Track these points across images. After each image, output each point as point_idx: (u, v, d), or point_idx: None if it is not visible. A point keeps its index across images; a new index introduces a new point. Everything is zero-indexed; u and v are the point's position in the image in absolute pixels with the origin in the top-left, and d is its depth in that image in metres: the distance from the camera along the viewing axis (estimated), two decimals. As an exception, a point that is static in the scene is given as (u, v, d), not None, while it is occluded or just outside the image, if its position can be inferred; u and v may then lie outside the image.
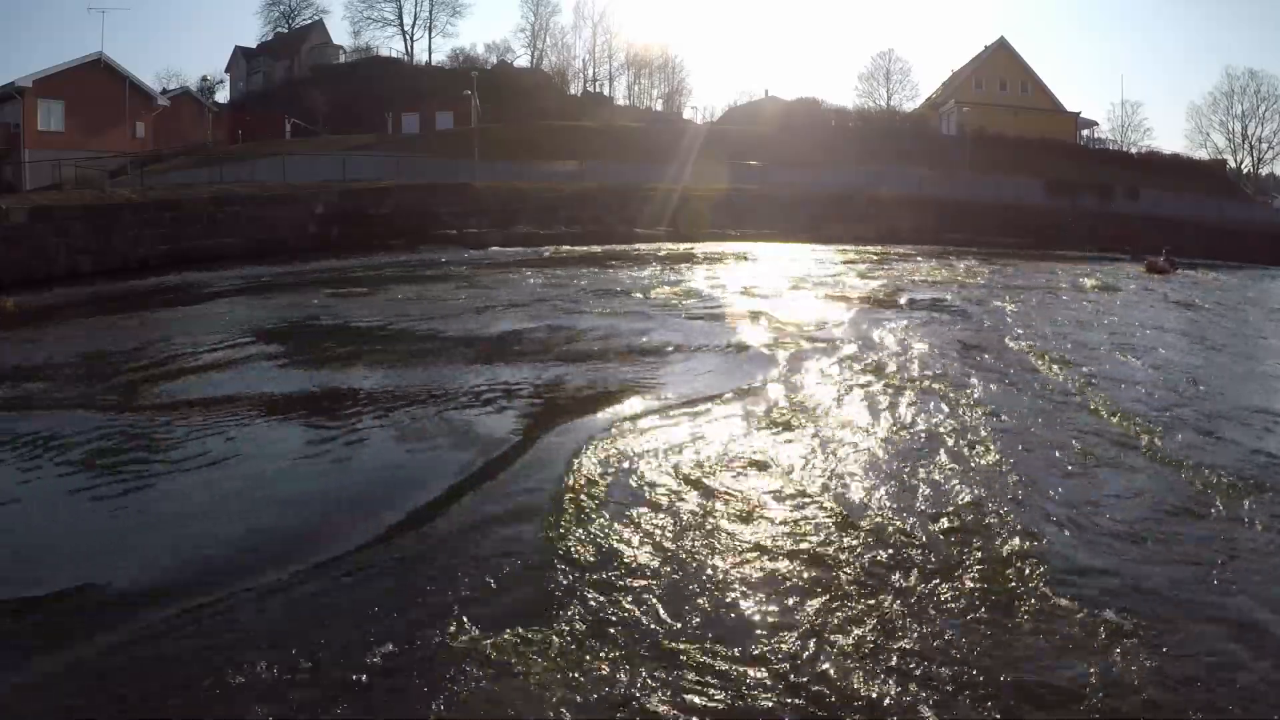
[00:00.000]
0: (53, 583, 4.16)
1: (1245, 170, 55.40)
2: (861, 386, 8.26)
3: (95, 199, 21.20)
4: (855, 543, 4.65)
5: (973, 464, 5.91)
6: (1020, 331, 12.22)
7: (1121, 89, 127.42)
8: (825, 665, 3.43)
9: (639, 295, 15.19)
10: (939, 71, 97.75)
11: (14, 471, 5.86)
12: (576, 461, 5.76)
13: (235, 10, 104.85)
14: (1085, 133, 54.04)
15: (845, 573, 4.28)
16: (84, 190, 24.13)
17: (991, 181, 38.42)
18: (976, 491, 5.40)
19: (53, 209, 19.13)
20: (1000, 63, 51.86)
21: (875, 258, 25.32)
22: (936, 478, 5.65)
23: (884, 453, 6.17)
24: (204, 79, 59.10)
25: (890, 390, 8.11)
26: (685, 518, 4.92)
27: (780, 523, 4.89)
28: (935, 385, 8.37)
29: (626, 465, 5.71)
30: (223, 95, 58.39)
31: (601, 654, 3.49)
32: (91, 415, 7.15)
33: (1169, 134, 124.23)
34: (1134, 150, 53.29)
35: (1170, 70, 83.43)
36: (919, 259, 25.25)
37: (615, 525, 4.73)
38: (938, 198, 36.20)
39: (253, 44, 61.16)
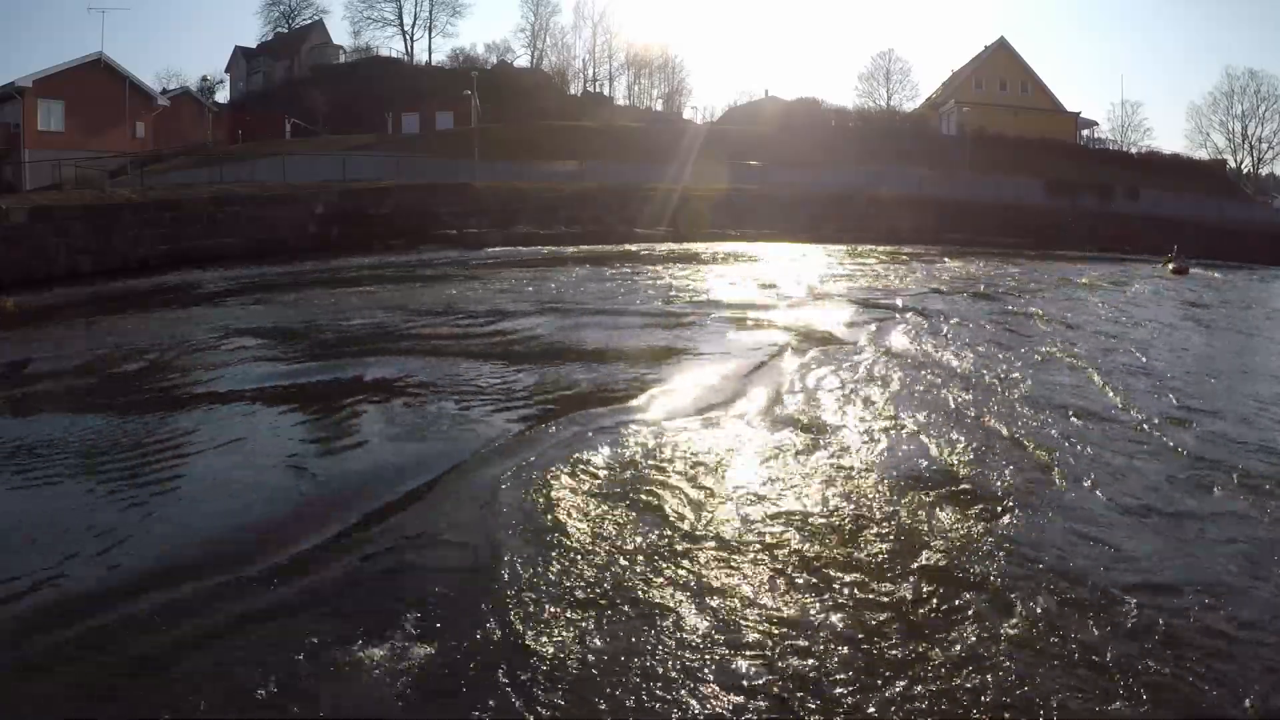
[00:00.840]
0: (47, 580, 4.17)
1: (1245, 170, 55.43)
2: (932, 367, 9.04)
3: (95, 199, 21.19)
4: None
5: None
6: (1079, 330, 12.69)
7: (1121, 89, 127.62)
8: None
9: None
10: (939, 71, 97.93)
11: (13, 470, 5.86)
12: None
13: (235, 10, 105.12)
14: (1085, 133, 54.07)
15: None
16: (84, 190, 24.14)
17: (991, 181, 38.44)
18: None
19: (53, 209, 19.13)
20: (1000, 63, 51.88)
21: (905, 258, 25.46)
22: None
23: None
24: (204, 79, 59.22)
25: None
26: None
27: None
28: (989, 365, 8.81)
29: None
30: (223, 95, 58.51)
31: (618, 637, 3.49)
32: (91, 415, 7.14)
33: (1169, 134, 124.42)
34: (1134, 150, 53.36)
35: (1170, 70, 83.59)
36: (946, 259, 25.22)
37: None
38: (938, 198, 36.20)
39: (253, 44, 61.25)
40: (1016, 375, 8.83)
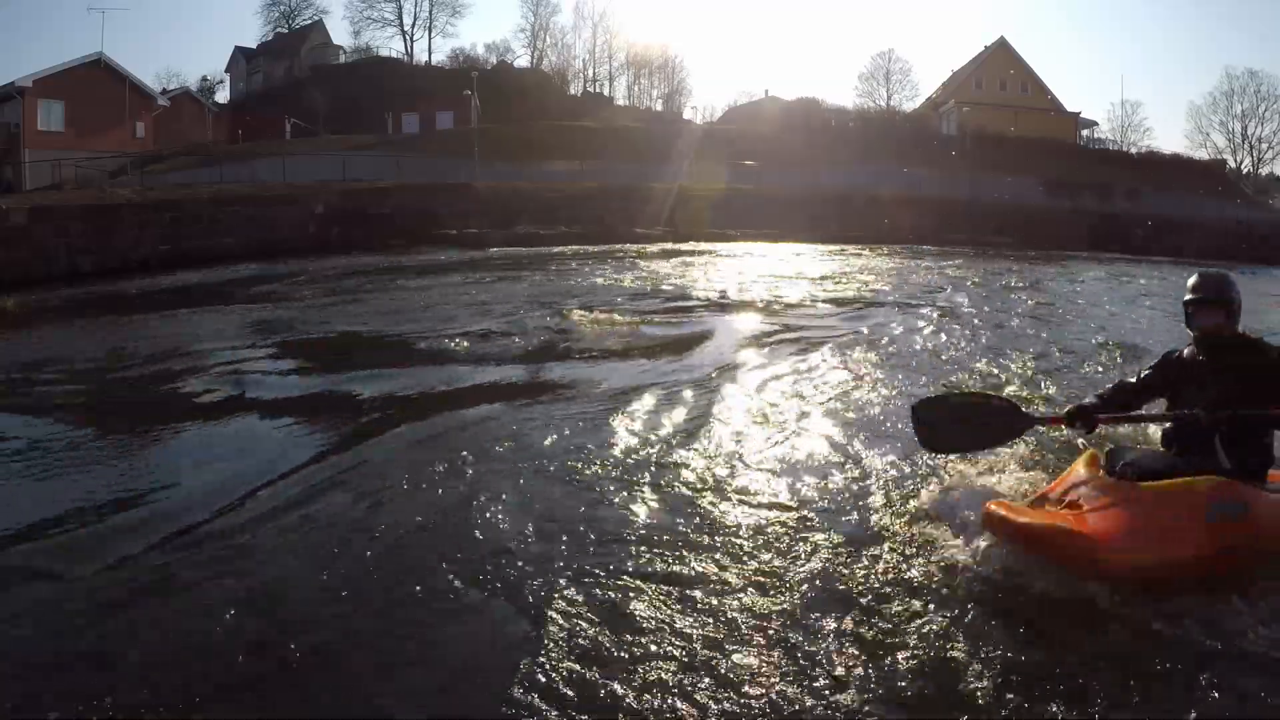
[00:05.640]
0: (39, 578, 4.17)
1: (1245, 170, 55.46)
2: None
3: (95, 199, 21.24)
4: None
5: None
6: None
7: (1121, 89, 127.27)
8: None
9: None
10: (939, 71, 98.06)
11: (11, 470, 5.85)
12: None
13: (235, 10, 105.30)
14: (1085, 133, 54.09)
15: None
16: (84, 190, 24.18)
17: (991, 181, 38.42)
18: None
19: (53, 209, 19.18)
20: (1000, 63, 51.86)
21: (925, 257, 25.42)
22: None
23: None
24: (204, 79, 59.15)
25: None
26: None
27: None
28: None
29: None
30: (223, 95, 58.46)
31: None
32: (90, 414, 7.15)
33: (1169, 134, 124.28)
34: (1134, 150, 53.33)
35: (1170, 70, 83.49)
36: (976, 261, 24.87)
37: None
38: (937, 198, 36.22)
39: (253, 44, 61.21)
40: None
